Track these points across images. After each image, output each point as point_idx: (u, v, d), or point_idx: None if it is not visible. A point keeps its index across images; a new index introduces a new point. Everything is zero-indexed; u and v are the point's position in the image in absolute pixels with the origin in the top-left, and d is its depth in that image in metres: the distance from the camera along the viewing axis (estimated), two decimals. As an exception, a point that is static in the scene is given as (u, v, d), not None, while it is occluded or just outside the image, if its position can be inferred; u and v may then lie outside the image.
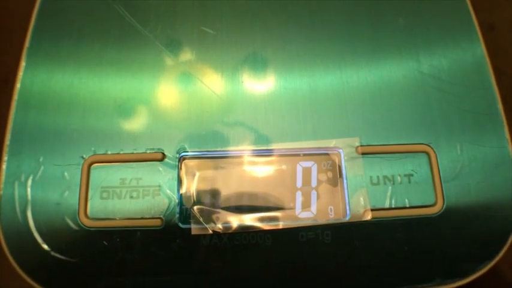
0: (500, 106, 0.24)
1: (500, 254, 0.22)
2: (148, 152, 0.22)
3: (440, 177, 0.22)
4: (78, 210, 0.21)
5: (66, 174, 0.22)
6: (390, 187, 0.22)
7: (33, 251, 0.21)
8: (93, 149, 0.22)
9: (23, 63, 0.24)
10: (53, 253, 0.21)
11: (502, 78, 0.26)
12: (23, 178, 0.22)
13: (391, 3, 0.25)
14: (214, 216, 0.21)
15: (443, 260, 0.22)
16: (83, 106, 0.23)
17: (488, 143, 0.23)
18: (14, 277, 0.21)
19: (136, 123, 0.22)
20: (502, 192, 0.22)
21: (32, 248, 0.21)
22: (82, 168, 0.22)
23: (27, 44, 0.24)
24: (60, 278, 0.21)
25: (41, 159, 0.22)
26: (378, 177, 0.22)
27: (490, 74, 0.24)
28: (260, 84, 0.23)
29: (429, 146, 0.22)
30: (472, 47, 0.25)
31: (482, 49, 0.25)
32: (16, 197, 0.21)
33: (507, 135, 0.23)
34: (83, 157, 0.22)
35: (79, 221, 0.21)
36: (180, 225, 0.21)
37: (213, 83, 0.23)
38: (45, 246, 0.21)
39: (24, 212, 0.21)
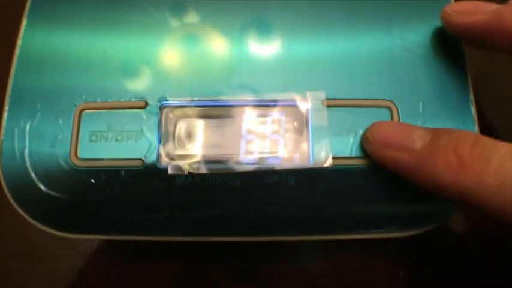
0: (467, 71, 0.25)
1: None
2: (133, 100, 0.24)
3: (400, 131, 0.24)
4: (70, 151, 0.24)
5: (60, 120, 0.24)
6: (352, 138, 0.23)
7: (30, 189, 0.24)
8: (84, 97, 0.24)
9: (24, 22, 0.26)
10: (46, 190, 0.24)
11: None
12: (22, 124, 0.24)
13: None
14: (189, 159, 0.23)
15: (400, 207, 0.24)
16: (76, 60, 0.25)
17: (452, 102, 0.24)
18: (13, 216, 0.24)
19: (123, 75, 0.25)
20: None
21: (29, 187, 0.24)
22: (74, 114, 0.24)
23: (28, 4, 0.27)
24: (52, 213, 0.24)
25: (38, 107, 0.24)
26: (340, 128, 0.24)
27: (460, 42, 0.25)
28: (241, 42, 0.25)
29: (392, 101, 0.24)
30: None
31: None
32: (15, 141, 0.24)
33: (471, 97, 0.25)
34: (75, 104, 0.24)
35: (70, 162, 0.24)
36: (159, 166, 0.23)
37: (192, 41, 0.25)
38: (40, 185, 0.24)
39: (22, 154, 0.24)
